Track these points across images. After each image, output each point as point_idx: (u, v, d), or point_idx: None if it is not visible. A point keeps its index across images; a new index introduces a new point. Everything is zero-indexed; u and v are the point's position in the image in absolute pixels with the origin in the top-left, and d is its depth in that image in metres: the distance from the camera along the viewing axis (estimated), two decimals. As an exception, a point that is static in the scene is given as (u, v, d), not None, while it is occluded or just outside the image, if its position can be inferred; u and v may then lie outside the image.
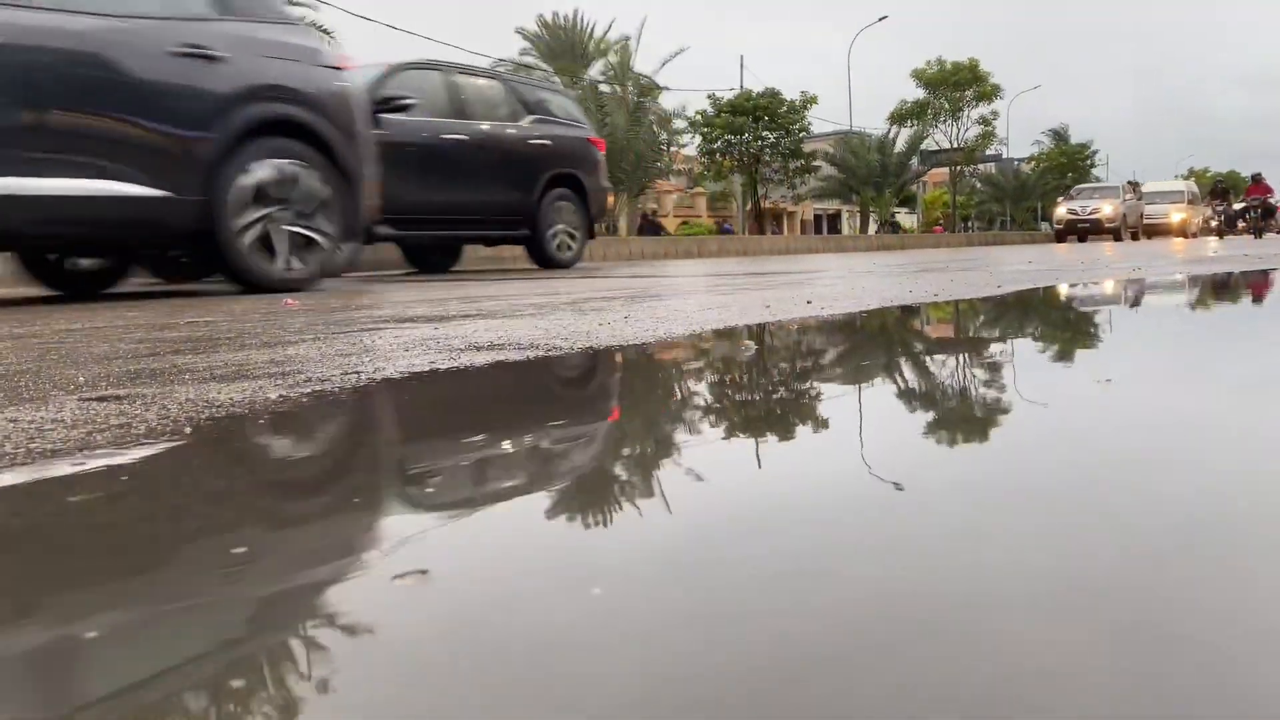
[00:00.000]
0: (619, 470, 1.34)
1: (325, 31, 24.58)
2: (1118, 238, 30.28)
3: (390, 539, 1.04)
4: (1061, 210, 32.80)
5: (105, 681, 0.70)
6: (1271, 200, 26.47)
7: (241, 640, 0.78)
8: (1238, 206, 27.37)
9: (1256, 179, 26.76)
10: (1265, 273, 6.48)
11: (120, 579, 0.94)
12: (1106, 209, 31.20)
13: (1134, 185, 36.68)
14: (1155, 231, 35.07)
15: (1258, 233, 25.34)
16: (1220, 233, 27.07)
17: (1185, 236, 34.09)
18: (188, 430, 1.55)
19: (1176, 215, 36.08)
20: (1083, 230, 30.97)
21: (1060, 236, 31.63)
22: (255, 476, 1.38)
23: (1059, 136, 57.33)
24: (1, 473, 1.28)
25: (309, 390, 1.94)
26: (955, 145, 44.33)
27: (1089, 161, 54.50)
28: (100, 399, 1.85)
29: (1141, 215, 34.26)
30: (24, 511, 1.18)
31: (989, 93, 43.75)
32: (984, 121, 44.62)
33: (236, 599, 0.87)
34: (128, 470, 1.33)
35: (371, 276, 9.75)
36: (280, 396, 1.87)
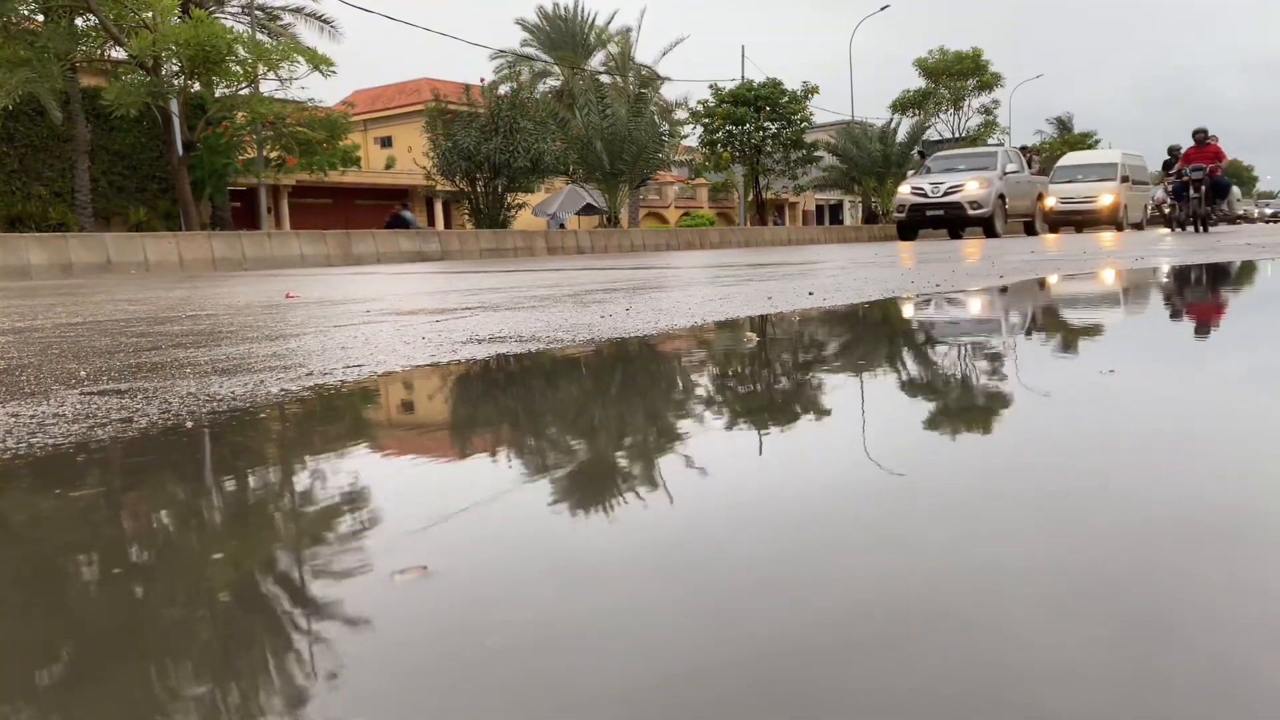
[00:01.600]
0: (626, 461, 1.34)
1: (325, 22, 24.53)
2: (990, 232, 20.35)
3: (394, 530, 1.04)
4: (904, 190, 21.51)
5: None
6: (1220, 172, 16.62)
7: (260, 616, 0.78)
8: (1168, 186, 17.45)
9: (1199, 140, 16.67)
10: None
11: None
12: (971, 187, 20.09)
13: (1030, 152, 25.92)
14: (1075, 221, 25.06)
15: (1200, 222, 16.37)
16: (1177, 221, 17.15)
17: (1118, 228, 24.48)
18: (189, 424, 1.55)
19: (1105, 197, 24.89)
20: (936, 220, 20.64)
21: (903, 230, 21.36)
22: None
23: (1063, 125, 57.20)
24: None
25: (311, 384, 1.94)
26: (957, 134, 44.23)
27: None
28: (102, 393, 1.85)
29: (1041, 198, 23.49)
30: (25, 507, 1.17)
31: (990, 81, 43.64)
32: (985, 110, 44.52)
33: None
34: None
35: None
36: (281, 390, 1.86)
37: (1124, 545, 0.88)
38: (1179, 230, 16.85)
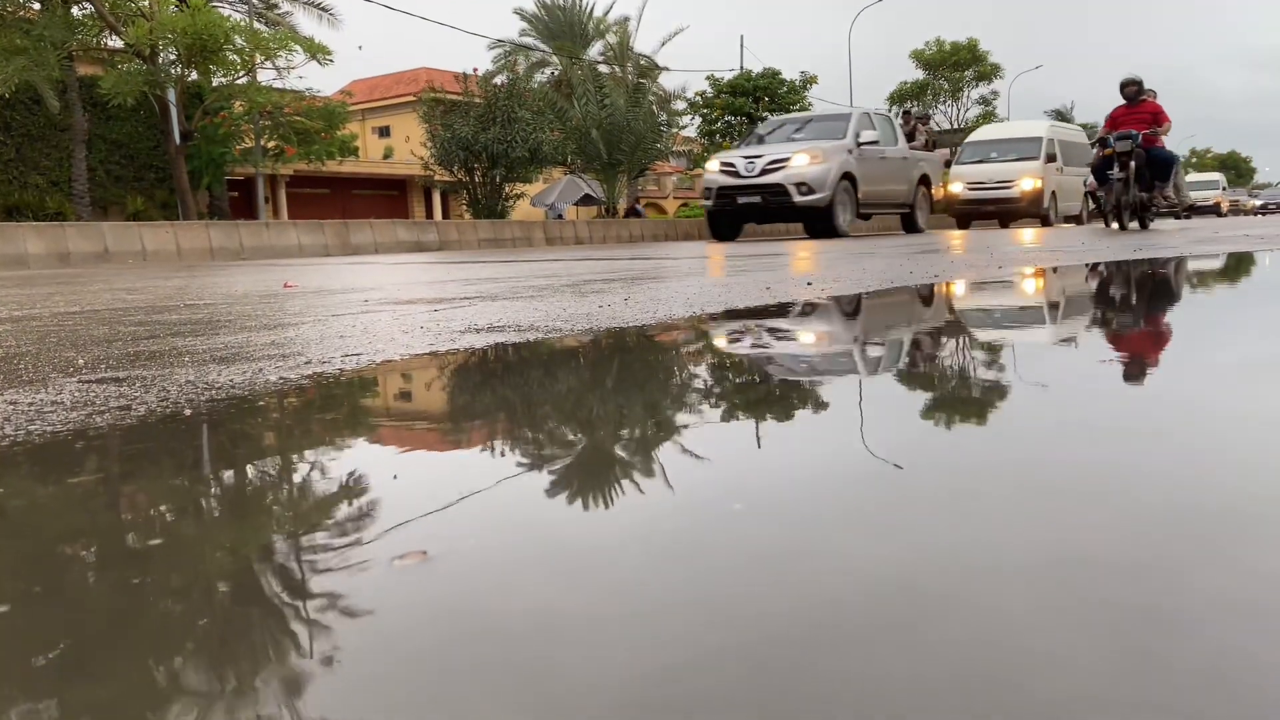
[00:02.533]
0: (623, 449, 1.34)
1: (323, 10, 24.44)
2: (831, 229, 13.89)
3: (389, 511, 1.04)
4: (712, 167, 14.88)
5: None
6: (1162, 142, 11.68)
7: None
8: (1096, 158, 11.98)
9: (1131, 95, 11.73)
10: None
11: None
12: (799, 163, 13.75)
13: (915, 119, 18.57)
14: (988, 212, 19.99)
15: (1131, 213, 11.44)
16: (1110, 212, 11.82)
17: (1044, 221, 19.50)
18: (187, 412, 1.55)
19: (1025, 181, 19.34)
20: (752, 209, 14.21)
21: (715, 223, 14.99)
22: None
23: (1062, 116, 57.10)
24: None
25: (309, 372, 1.94)
26: (956, 126, 44.15)
27: (1092, 143, 54.13)
28: (100, 381, 1.85)
29: (927, 180, 16.62)
30: (24, 494, 1.17)
31: (988, 72, 43.58)
32: (984, 101, 44.46)
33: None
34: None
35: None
36: (280, 378, 1.86)
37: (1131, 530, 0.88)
38: (1107, 225, 11.77)
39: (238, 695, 0.64)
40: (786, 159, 13.87)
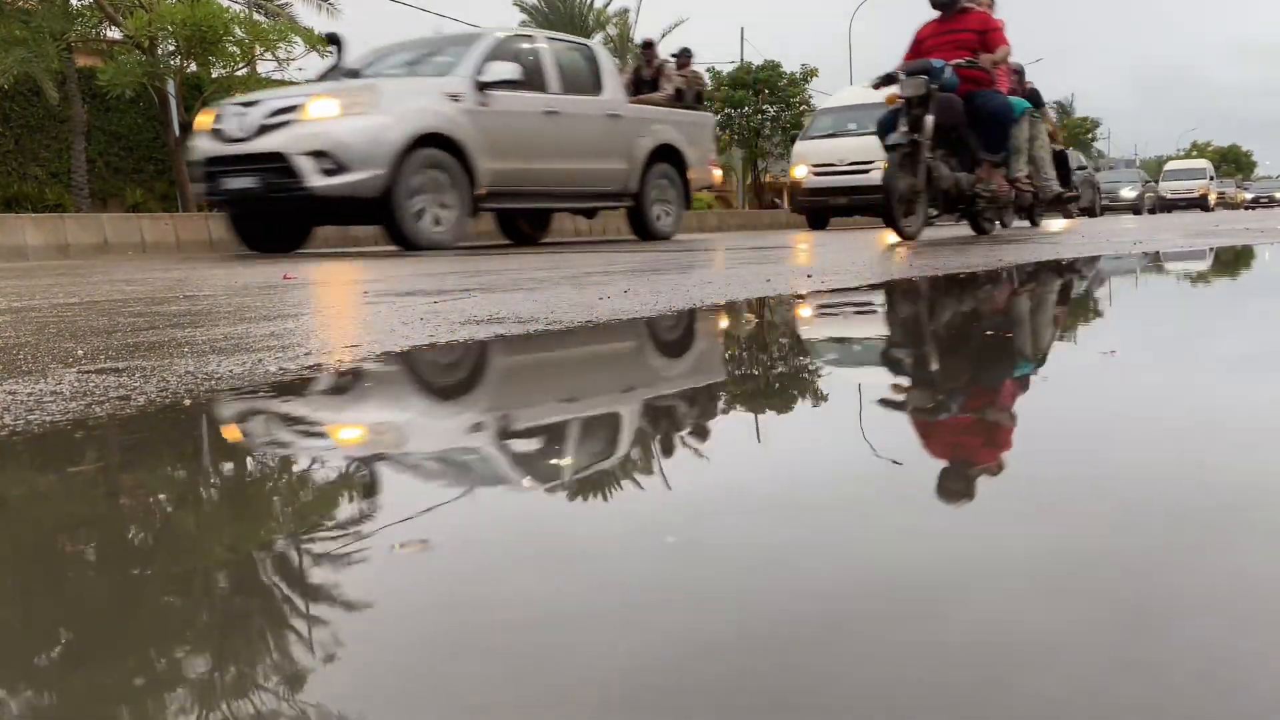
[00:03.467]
0: (622, 440, 1.34)
1: (324, 1, 24.37)
2: (396, 232, 7.74)
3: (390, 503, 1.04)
4: (204, 123, 8.02)
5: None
6: (1004, 80, 6.85)
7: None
8: (890, 103, 6.41)
9: (944, 2, 6.89)
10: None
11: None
12: (323, 115, 7.22)
13: (653, 56, 11.74)
14: (840, 205, 14.54)
15: (926, 208, 6.54)
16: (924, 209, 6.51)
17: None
18: (187, 402, 1.55)
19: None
20: (245, 197, 7.68)
21: (236, 216, 8.41)
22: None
23: (1062, 109, 56.99)
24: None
25: (309, 363, 1.94)
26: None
27: (1091, 136, 54.04)
28: (99, 371, 1.85)
29: (669, 156, 9.70)
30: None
31: (990, 65, 43.47)
32: (985, 95, 44.30)
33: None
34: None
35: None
36: (280, 369, 1.87)
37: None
38: (901, 235, 6.63)
39: (238, 679, 0.64)
40: (297, 107, 7.51)
